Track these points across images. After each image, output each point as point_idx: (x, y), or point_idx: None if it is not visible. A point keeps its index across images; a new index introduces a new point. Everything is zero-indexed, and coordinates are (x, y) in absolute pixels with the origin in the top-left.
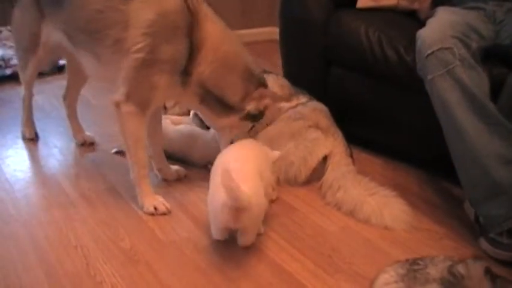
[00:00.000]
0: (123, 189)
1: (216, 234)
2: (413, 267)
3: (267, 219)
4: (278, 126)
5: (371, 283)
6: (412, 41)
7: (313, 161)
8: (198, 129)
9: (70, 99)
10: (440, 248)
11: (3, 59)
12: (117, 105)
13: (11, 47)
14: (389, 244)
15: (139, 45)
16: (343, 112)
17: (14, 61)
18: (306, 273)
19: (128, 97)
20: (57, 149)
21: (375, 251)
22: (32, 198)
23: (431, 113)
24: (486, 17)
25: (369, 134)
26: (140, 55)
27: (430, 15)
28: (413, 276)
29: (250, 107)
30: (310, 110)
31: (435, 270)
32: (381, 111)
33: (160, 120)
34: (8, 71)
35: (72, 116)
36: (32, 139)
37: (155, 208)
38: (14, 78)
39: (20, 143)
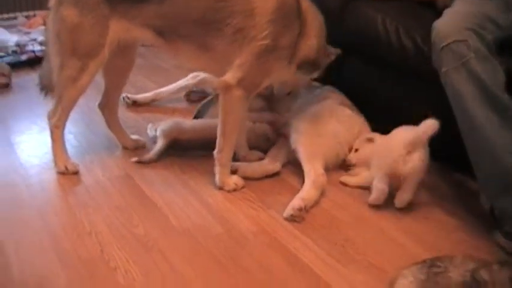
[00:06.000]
0: (137, 176)
1: (377, 196)
2: (432, 270)
3: (279, 208)
4: (317, 105)
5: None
6: (429, 31)
7: (352, 137)
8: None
9: (110, 105)
10: (454, 241)
11: (18, 45)
12: (228, 88)
13: (26, 33)
14: (403, 235)
15: (264, 33)
16: (358, 102)
17: (30, 47)
18: (319, 263)
19: (240, 82)
20: (72, 135)
21: (389, 241)
22: (47, 184)
23: (447, 104)
24: (506, 6)
25: (383, 125)
26: (264, 42)
27: (448, 5)
28: (435, 281)
29: (324, 61)
30: (329, 91)
31: (457, 274)
32: (397, 102)
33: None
34: (24, 57)
35: (114, 124)
36: (76, 172)
37: (236, 184)
38: (29, 64)
39: (35, 129)
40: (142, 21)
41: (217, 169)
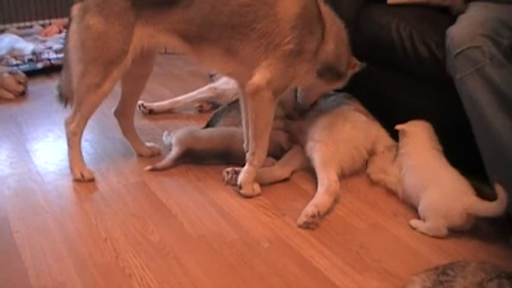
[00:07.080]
0: (152, 183)
1: (437, 230)
2: (440, 278)
3: (294, 215)
4: (331, 112)
5: None
6: (444, 37)
7: (369, 142)
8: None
9: (126, 113)
10: (470, 247)
11: (34, 53)
12: (257, 90)
13: (42, 41)
14: (418, 242)
15: (288, 38)
16: (373, 109)
17: (45, 55)
18: (334, 270)
19: (269, 84)
20: (87, 142)
21: (404, 248)
22: (63, 190)
23: (462, 110)
24: None
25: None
26: (289, 47)
27: (462, 11)
28: None
29: (350, 72)
30: (344, 98)
31: (462, 285)
32: (412, 108)
33: None
34: (39, 65)
35: (130, 132)
36: (92, 179)
37: (253, 190)
38: (45, 72)
39: (51, 136)
40: (168, 27)
41: (245, 167)
